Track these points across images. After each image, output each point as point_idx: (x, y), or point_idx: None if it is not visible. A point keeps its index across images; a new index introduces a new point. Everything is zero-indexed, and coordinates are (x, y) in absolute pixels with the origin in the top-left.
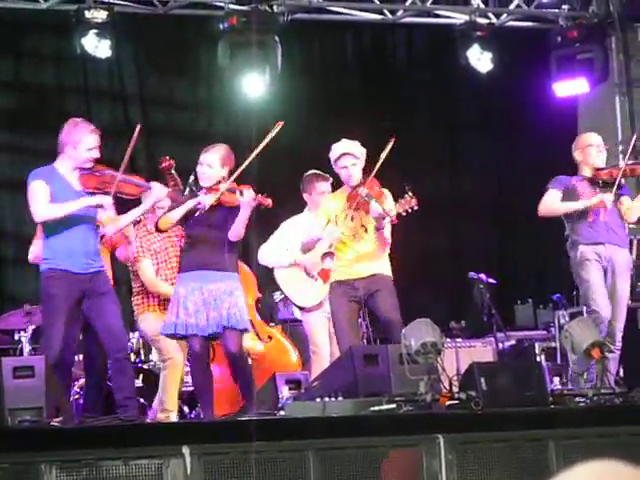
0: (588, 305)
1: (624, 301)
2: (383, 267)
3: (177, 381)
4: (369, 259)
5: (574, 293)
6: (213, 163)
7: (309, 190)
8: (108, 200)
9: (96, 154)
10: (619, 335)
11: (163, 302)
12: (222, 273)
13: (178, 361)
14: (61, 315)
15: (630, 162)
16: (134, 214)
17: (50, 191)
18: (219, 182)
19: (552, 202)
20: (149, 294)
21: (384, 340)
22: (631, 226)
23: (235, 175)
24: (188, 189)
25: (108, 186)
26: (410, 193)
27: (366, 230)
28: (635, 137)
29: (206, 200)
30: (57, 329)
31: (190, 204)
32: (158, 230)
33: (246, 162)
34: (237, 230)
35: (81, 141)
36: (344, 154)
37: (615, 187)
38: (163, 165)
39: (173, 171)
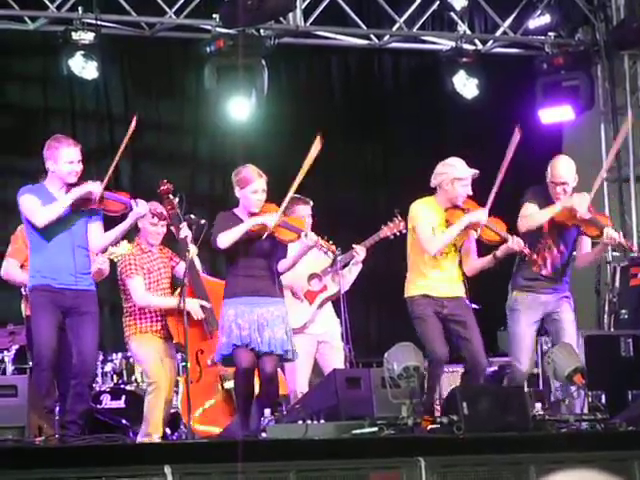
0: None
1: None
2: (463, 289)
3: (161, 406)
4: (453, 279)
5: None
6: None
7: (289, 213)
8: (96, 188)
9: (77, 167)
10: None
11: (155, 323)
12: (272, 299)
13: (162, 386)
14: (47, 325)
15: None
16: (118, 230)
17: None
18: None
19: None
20: (141, 315)
21: (466, 377)
22: (614, 254)
23: (283, 207)
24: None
25: (92, 203)
26: (399, 217)
27: (455, 249)
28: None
29: (269, 221)
30: (46, 338)
31: (252, 222)
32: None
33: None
34: (287, 265)
35: (61, 155)
36: (472, 175)
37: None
38: (162, 189)
39: (171, 195)
